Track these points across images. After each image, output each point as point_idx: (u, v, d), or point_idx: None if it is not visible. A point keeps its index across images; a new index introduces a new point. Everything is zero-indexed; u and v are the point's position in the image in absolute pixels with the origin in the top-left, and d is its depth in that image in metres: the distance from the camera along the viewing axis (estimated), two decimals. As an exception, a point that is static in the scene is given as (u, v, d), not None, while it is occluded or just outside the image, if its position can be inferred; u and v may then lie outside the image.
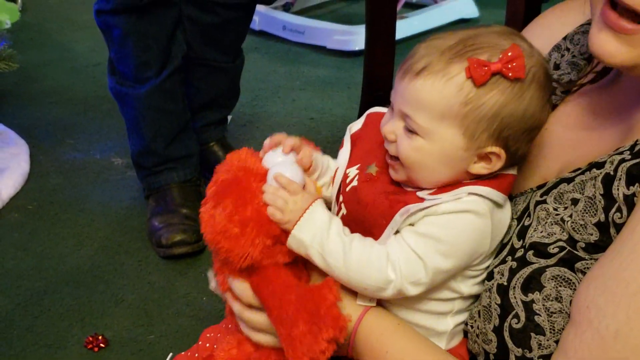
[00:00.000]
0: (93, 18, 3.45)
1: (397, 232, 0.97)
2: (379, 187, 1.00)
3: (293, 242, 0.96)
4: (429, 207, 0.95)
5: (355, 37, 3.19)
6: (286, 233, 0.96)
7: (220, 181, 0.99)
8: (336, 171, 1.06)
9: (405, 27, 3.18)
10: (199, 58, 2.21)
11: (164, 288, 1.97)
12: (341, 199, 1.04)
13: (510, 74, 0.91)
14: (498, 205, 0.98)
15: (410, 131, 0.95)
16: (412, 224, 0.96)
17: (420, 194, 0.97)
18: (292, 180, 0.96)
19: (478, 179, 0.98)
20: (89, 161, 2.50)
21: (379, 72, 2.10)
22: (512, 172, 1.00)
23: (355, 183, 1.02)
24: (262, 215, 0.96)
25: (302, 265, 1.01)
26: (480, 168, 0.97)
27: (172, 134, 2.16)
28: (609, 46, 0.89)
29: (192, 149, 2.21)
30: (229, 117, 2.49)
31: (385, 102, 2.12)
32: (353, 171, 1.04)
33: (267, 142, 1.04)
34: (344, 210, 1.03)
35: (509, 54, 0.91)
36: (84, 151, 2.55)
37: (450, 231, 0.94)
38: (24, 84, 2.95)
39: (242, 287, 1.02)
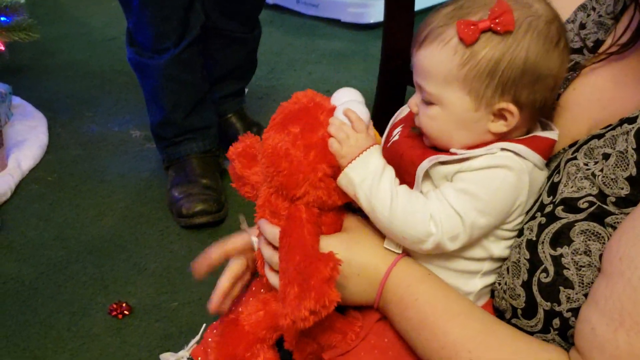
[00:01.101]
0: (107, -7, 3.50)
1: (429, 183, 0.99)
2: (418, 142, 1.02)
3: (343, 180, 0.97)
4: (460, 159, 0.96)
5: (370, 10, 3.18)
6: (340, 169, 0.98)
7: (287, 111, 1.00)
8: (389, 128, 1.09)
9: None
10: (217, 28, 2.21)
11: (185, 257, 1.98)
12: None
13: (499, 28, 0.93)
14: (534, 164, 0.99)
15: (426, 101, 0.98)
16: (447, 179, 0.97)
17: (453, 150, 0.98)
18: (360, 118, 0.97)
19: (510, 139, 0.99)
20: (107, 134, 2.51)
21: (398, 42, 2.10)
22: (550, 135, 1.01)
23: (396, 137, 1.04)
24: (326, 144, 0.97)
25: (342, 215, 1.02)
26: (499, 126, 0.98)
27: (191, 104, 2.16)
28: None
29: (212, 120, 2.22)
30: (246, 90, 2.50)
31: (405, 72, 2.12)
32: (398, 129, 1.06)
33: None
34: None
35: (496, 9, 0.93)
36: (102, 124, 2.56)
37: (486, 188, 0.95)
38: (40, 58, 2.96)
39: (273, 231, 1.04)
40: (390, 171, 0.98)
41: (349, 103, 0.99)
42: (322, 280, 0.94)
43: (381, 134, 1.09)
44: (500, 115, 0.97)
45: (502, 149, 0.97)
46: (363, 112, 0.99)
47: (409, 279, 1.00)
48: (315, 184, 0.98)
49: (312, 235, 0.99)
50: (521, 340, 0.96)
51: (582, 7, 1.11)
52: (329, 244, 1.02)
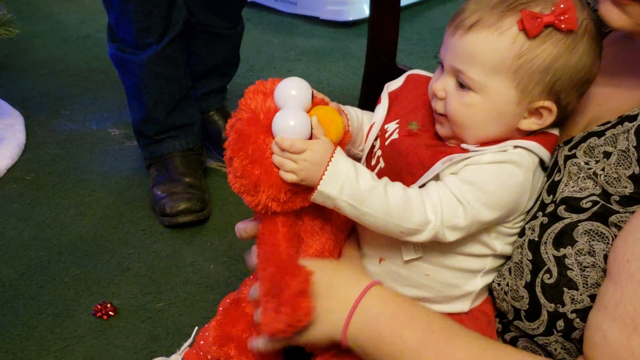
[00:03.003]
0: (81, -10, 3.44)
1: (433, 180, 0.96)
2: (421, 140, 0.99)
3: (318, 197, 0.94)
4: (472, 156, 0.94)
5: (349, 7, 3.16)
6: (302, 185, 0.95)
7: (231, 134, 0.97)
8: (372, 126, 1.05)
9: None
10: (199, 24, 2.18)
11: (169, 256, 1.95)
12: (379, 153, 1.03)
13: (562, 26, 0.91)
14: (541, 162, 0.97)
15: (463, 87, 0.95)
16: (454, 174, 0.95)
17: (464, 145, 0.96)
18: (294, 141, 0.93)
19: (524, 136, 0.97)
20: (85, 132, 2.46)
21: (383, 37, 2.08)
22: (555, 132, 1.00)
23: (395, 136, 1.01)
24: (272, 173, 0.94)
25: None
26: (530, 124, 0.96)
27: (174, 101, 2.12)
28: (611, 14, 0.91)
29: (194, 117, 2.18)
30: (226, 87, 2.47)
31: (390, 68, 2.10)
32: (392, 126, 1.03)
33: None
34: (382, 164, 1.02)
35: (562, 5, 0.91)
36: (79, 122, 2.51)
37: (492, 180, 0.94)
38: (14, 55, 2.90)
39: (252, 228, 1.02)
40: (361, 167, 0.95)
41: (283, 117, 0.94)
42: (294, 294, 0.93)
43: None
44: (536, 113, 0.96)
45: (515, 147, 0.95)
46: (299, 121, 0.94)
47: (396, 300, 0.96)
48: (276, 209, 0.96)
49: (286, 240, 0.97)
50: (527, 356, 0.94)
51: None
52: (307, 264, 0.99)
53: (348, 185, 0.92)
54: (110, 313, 1.76)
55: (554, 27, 0.92)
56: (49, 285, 1.85)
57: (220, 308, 1.10)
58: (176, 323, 1.74)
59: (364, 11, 3.11)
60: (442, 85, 0.97)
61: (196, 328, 1.34)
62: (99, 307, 1.76)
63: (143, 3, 2.00)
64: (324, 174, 0.93)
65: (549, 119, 0.96)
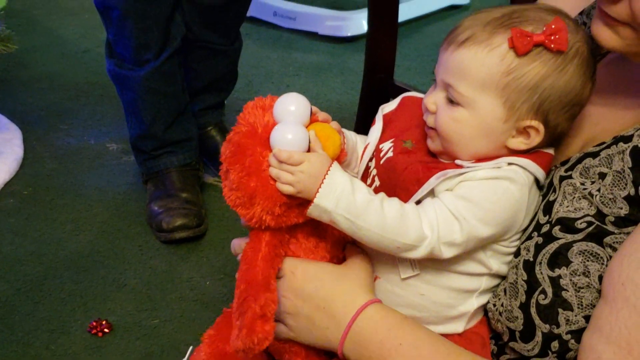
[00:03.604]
0: (80, 4, 3.46)
1: (429, 197, 0.96)
2: (415, 157, 1.00)
3: (314, 211, 0.94)
4: (466, 172, 0.95)
5: (347, 23, 3.17)
6: (297, 199, 0.95)
7: (228, 147, 0.98)
8: (366, 147, 1.05)
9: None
10: (198, 40, 2.18)
11: (166, 272, 1.95)
12: (374, 172, 1.03)
13: (552, 46, 0.92)
14: (537, 180, 0.97)
15: (452, 102, 0.96)
16: (449, 190, 0.95)
17: (458, 161, 0.97)
18: (292, 153, 0.93)
19: (517, 154, 0.97)
20: (83, 147, 2.46)
21: (381, 54, 2.09)
22: (550, 151, 1.00)
23: (390, 154, 1.01)
24: (268, 186, 0.94)
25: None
26: (518, 143, 0.97)
27: (172, 117, 2.13)
28: (603, 34, 0.92)
29: (192, 132, 2.19)
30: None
31: (388, 85, 2.11)
32: (387, 145, 1.03)
33: None
34: (377, 183, 1.02)
35: (553, 26, 0.92)
36: (78, 137, 2.52)
37: (487, 196, 0.94)
38: (13, 70, 2.91)
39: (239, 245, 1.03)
40: (358, 182, 0.95)
41: (281, 130, 0.94)
42: (254, 317, 0.93)
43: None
44: (524, 132, 0.96)
45: (509, 164, 0.96)
46: (297, 134, 0.94)
47: (388, 322, 0.96)
48: (270, 223, 0.96)
49: (265, 260, 0.97)
50: None
51: None
52: (305, 267, 1.00)
53: (344, 199, 0.92)
54: (106, 330, 1.75)
55: (544, 46, 0.92)
56: (44, 301, 1.85)
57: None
58: (172, 340, 1.74)
59: (363, 27, 3.12)
60: (433, 99, 0.98)
61: (191, 347, 1.33)
62: (95, 324, 1.76)
63: (141, 19, 2.01)
64: (320, 187, 0.92)
65: (536, 139, 0.96)
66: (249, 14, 3.29)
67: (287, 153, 0.93)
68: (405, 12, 3.24)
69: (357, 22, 3.16)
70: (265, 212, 0.95)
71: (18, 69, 2.91)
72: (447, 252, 0.94)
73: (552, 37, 0.92)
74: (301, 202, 0.95)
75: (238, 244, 1.04)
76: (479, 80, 0.94)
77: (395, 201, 0.95)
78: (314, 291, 0.97)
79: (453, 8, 3.50)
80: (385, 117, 1.07)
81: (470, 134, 0.96)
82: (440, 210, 0.94)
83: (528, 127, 0.95)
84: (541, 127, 0.95)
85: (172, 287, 1.90)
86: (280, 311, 0.99)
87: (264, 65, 3.02)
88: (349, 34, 3.18)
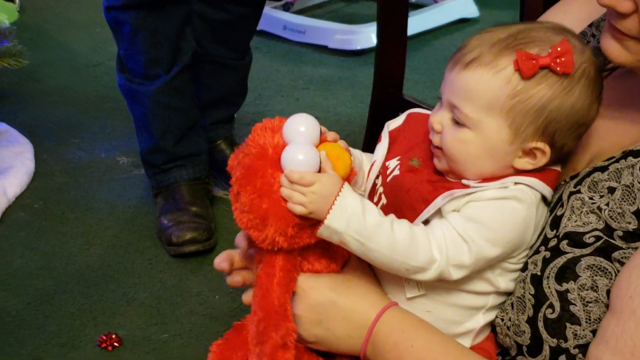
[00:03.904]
0: (92, 18, 3.48)
1: (436, 216, 0.97)
2: (422, 176, 1.00)
3: (325, 232, 0.94)
4: (473, 192, 0.95)
5: (357, 37, 3.18)
6: (309, 219, 0.95)
7: (238, 169, 0.97)
8: (372, 165, 1.06)
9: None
10: (208, 55, 2.20)
11: (175, 286, 1.95)
12: (381, 190, 1.03)
13: (558, 69, 0.92)
14: (544, 197, 0.98)
15: (457, 122, 0.96)
16: (456, 210, 0.95)
17: (465, 181, 0.97)
18: (303, 173, 0.93)
19: (523, 173, 0.98)
20: (94, 160, 2.48)
21: (390, 68, 2.09)
22: (557, 167, 1.00)
23: (396, 172, 1.01)
24: (280, 207, 0.94)
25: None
26: (524, 163, 0.97)
27: (182, 131, 2.14)
28: (611, 48, 0.92)
29: (202, 146, 2.20)
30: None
31: (397, 99, 2.11)
32: (393, 162, 1.03)
33: None
34: (384, 201, 1.02)
35: (559, 48, 0.92)
36: (88, 150, 2.53)
37: (495, 217, 0.94)
38: (24, 83, 2.92)
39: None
40: (369, 203, 0.96)
41: (292, 151, 0.94)
42: (275, 347, 0.94)
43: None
44: (530, 153, 0.96)
45: (516, 183, 0.96)
46: (308, 155, 0.94)
47: (403, 325, 0.98)
48: (282, 245, 0.96)
49: (281, 286, 0.97)
50: None
51: (582, 35, 1.11)
52: (317, 282, 1.00)
53: (355, 220, 0.93)
54: (115, 344, 1.76)
55: (549, 69, 0.92)
56: (54, 315, 1.86)
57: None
58: (181, 355, 1.74)
59: (372, 40, 3.13)
60: (439, 118, 0.98)
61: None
62: (104, 337, 1.76)
63: (152, 35, 2.02)
64: (331, 208, 0.93)
65: (542, 160, 0.96)
66: (258, 27, 3.31)
67: (298, 174, 0.93)
68: (414, 26, 3.24)
69: (366, 36, 3.17)
70: (278, 234, 0.95)
71: (29, 83, 2.93)
72: (456, 274, 0.95)
73: (558, 60, 0.92)
74: (313, 222, 0.95)
75: (240, 282, 1.05)
76: (484, 103, 0.94)
77: (405, 223, 0.95)
78: (330, 304, 0.98)
79: (462, 21, 3.50)
80: (391, 133, 1.07)
81: (476, 155, 0.96)
82: (449, 232, 0.94)
83: (534, 149, 0.95)
84: (547, 149, 0.95)
85: (181, 301, 1.91)
86: (299, 330, 1.00)
87: (274, 79, 3.03)
88: (358, 48, 3.19)
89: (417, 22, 3.28)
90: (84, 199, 2.29)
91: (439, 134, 0.98)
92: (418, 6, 3.52)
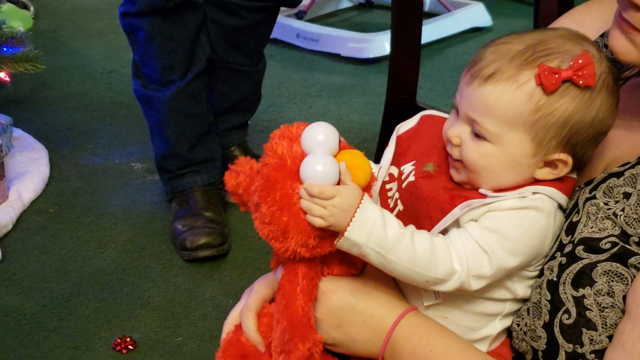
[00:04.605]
0: (106, 26, 3.51)
1: (454, 226, 0.97)
2: (439, 183, 0.99)
3: (344, 244, 0.93)
4: (492, 202, 0.95)
5: (370, 45, 3.20)
6: (330, 230, 0.94)
7: (257, 179, 0.97)
8: (379, 170, 1.06)
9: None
10: (222, 61, 2.21)
11: (189, 290, 1.96)
12: (397, 195, 1.02)
13: (580, 82, 0.91)
14: (560, 206, 0.98)
15: (478, 136, 0.95)
16: (474, 220, 0.95)
17: (482, 191, 0.96)
18: (323, 187, 0.92)
19: (541, 182, 0.98)
20: (108, 166, 2.49)
21: (404, 76, 2.10)
22: (573, 175, 1.00)
23: (412, 178, 1.01)
24: (300, 219, 0.94)
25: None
26: (546, 173, 0.96)
27: (196, 137, 2.15)
28: (619, 44, 0.92)
29: (216, 152, 2.21)
30: (247, 123, 2.49)
31: (410, 105, 2.12)
32: (408, 167, 1.02)
33: None
34: (400, 207, 1.01)
35: (580, 61, 0.91)
36: (103, 156, 2.55)
37: (515, 227, 0.94)
38: (39, 90, 2.95)
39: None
40: (389, 215, 0.95)
41: (311, 162, 0.93)
42: (301, 357, 0.94)
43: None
44: (551, 164, 0.96)
45: (534, 193, 0.96)
46: (327, 166, 0.93)
47: (421, 330, 0.98)
48: (304, 254, 0.96)
49: (304, 294, 0.97)
50: None
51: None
52: (337, 286, 1.00)
53: (375, 233, 0.92)
54: (130, 347, 1.77)
55: (571, 82, 0.91)
56: (69, 318, 1.87)
57: None
58: (195, 358, 1.75)
59: (385, 49, 3.14)
60: (457, 132, 0.97)
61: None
62: (119, 340, 1.77)
63: (167, 41, 2.04)
64: (351, 221, 0.92)
65: (564, 170, 0.96)
66: (272, 35, 3.33)
67: (318, 187, 0.92)
68: (428, 34, 3.25)
69: (379, 44, 3.19)
70: (299, 246, 0.95)
71: (44, 89, 2.96)
72: (476, 285, 0.94)
73: (580, 73, 0.91)
74: (334, 232, 0.95)
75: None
76: (506, 118, 0.93)
77: (425, 235, 0.95)
78: (349, 308, 0.98)
79: (475, 30, 3.51)
80: (402, 137, 1.06)
81: (498, 168, 0.95)
82: (469, 243, 0.93)
83: (557, 160, 0.95)
84: (570, 160, 0.95)
85: (195, 305, 1.91)
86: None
87: (287, 87, 3.05)
88: (371, 56, 3.20)
89: (431, 31, 3.29)
90: (98, 204, 2.31)
91: (458, 147, 0.97)
92: (431, 15, 3.54)
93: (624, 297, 0.90)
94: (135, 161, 2.52)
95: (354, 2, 3.83)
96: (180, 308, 1.90)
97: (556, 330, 0.93)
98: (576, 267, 0.94)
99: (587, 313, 0.92)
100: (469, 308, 0.99)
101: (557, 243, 0.98)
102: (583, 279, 0.93)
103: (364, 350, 1.00)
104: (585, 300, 0.92)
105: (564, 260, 0.95)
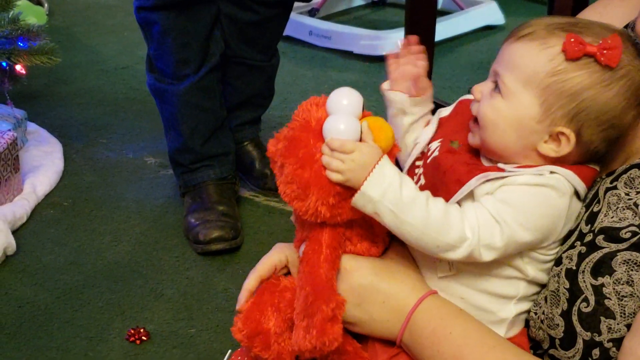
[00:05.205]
0: (120, 22, 3.52)
1: (469, 199, 0.98)
2: (460, 158, 1.01)
3: (360, 200, 0.95)
4: (508, 176, 0.96)
5: (383, 42, 3.20)
6: (350, 190, 0.96)
7: (281, 141, 0.99)
8: (414, 146, 1.08)
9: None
10: (236, 56, 2.22)
11: (202, 283, 1.97)
12: (421, 171, 1.05)
13: (602, 59, 0.93)
14: (577, 193, 0.99)
15: (495, 91, 0.98)
16: (489, 194, 0.97)
17: (501, 165, 0.98)
18: (344, 141, 0.94)
19: (559, 163, 0.98)
20: (122, 160, 2.51)
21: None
22: (595, 166, 1.01)
23: (436, 154, 1.03)
24: (322, 176, 0.96)
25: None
26: (548, 149, 0.97)
27: (209, 131, 2.16)
28: None
29: (229, 147, 2.22)
30: (260, 118, 2.50)
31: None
32: (435, 144, 1.05)
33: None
34: (422, 181, 1.04)
35: (609, 41, 0.93)
36: (116, 150, 2.56)
37: (528, 201, 0.95)
38: (53, 85, 2.96)
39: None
40: (406, 178, 0.97)
41: (334, 120, 0.96)
42: (325, 319, 0.95)
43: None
44: (555, 138, 0.97)
45: (552, 172, 0.97)
46: (349, 125, 0.95)
47: (441, 312, 0.99)
48: (325, 214, 0.97)
49: (328, 262, 0.99)
50: None
51: None
52: (360, 265, 1.02)
53: (391, 191, 0.94)
54: (143, 338, 1.78)
55: (594, 58, 0.93)
56: (83, 309, 1.88)
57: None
58: (208, 349, 1.76)
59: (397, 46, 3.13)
60: (481, 87, 1.00)
61: (230, 351, 1.35)
62: (132, 331, 1.78)
63: (181, 35, 2.05)
64: (368, 176, 0.94)
65: (566, 148, 0.97)
66: (285, 33, 3.33)
67: (339, 141, 0.94)
68: (440, 32, 3.24)
69: (392, 42, 3.18)
70: (320, 203, 0.96)
71: (59, 85, 2.97)
72: (487, 255, 0.95)
73: (605, 51, 0.92)
74: (354, 193, 0.96)
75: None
76: (524, 75, 0.96)
77: (440, 200, 0.96)
78: (371, 287, 0.99)
79: (488, 29, 3.51)
80: (441, 120, 1.09)
81: (503, 126, 0.97)
82: (482, 213, 0.95)
83: (560, 134, 0.96)
84: (572, 137, 0.96)
85: (208, 297, 1.92)
86: None
87: (300, 83, 3.05)
88: (383, 53, 3.19)
89: (444, 29, 3.28)
90: (112, 197, 2.32)
91: (478, 103, 1.00)
92: (444, 13, 3.54)
93: None
94: (148, 156, 2.53)
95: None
96: (194, 300, 1.91)
97: (574, 318, 0.94)
98: (596, 256, 0.94)
99: (606, 301, 0.92)
100: (482, 287, 1.00)
101: (576, 232, 0.99)
102: (602, 267, 0.93)
103: (383, 330, 1.01)
104: (604, 288, 0.92)
105: (583, 249, 0.96)
